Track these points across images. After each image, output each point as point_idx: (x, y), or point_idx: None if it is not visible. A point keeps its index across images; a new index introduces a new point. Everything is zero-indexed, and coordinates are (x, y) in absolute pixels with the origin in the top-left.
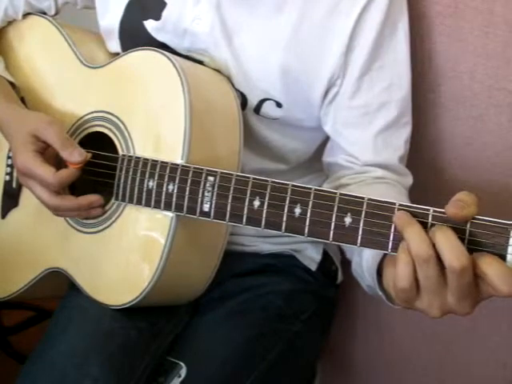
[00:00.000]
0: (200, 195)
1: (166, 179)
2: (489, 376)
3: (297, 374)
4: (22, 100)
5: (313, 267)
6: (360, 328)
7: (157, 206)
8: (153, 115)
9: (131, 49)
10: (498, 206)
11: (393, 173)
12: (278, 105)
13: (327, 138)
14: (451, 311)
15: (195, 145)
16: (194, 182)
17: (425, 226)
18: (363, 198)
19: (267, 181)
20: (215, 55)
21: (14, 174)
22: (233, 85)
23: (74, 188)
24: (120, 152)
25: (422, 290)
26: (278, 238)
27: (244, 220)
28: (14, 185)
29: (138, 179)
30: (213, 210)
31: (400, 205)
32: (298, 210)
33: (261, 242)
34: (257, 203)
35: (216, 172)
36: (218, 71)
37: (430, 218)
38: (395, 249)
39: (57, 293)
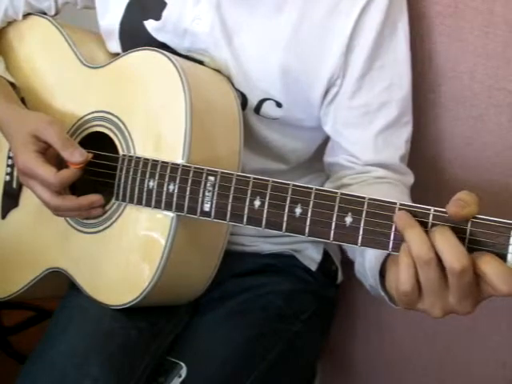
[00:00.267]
0: (201, 195)
1: (166, 179)
2: (489, 375)
3: (297, 373)
4: (23, 100)
5: (313, 267)
6: (360, 328)
7: (157, 205)
8: (153, 115)
9: (131, 49)
10: (498, 205)
11: (394, 172)
12: (278, 105)
13: (327, 138)
14: (453, 311)
15: (196, 145)
16: (195, 182)
17: (425, 225)
18: (364, 198)
19: (268, 181)
20: (215, 55)
21: (15, 174)
22: (233, 85)
23: (75, 188)
24: (120, 152)
25: (424, 291)
26: (279, 238)
27: (245, 220)
28: (15, 185)
29: (138, 179)
30: (213, 210)
31: (401, 204)
32: (298, 210)
33: (261, 242)
34: (257, 203)
35: (216, 172)
36: (218, 71)
37: (430, 218)
38: (396, 248)
39: (57, 293)
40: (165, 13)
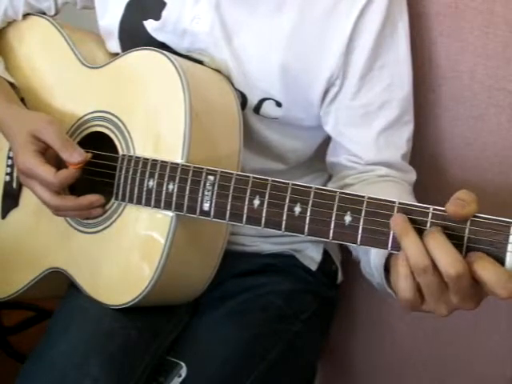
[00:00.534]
0: (200, 194)
1: (165, 179)
2: (489, 375)
3: (297, 374)
4: (22, 100)
5: (313, 267)
6: (360, 328)
7: (157, 205)
8: (153, 115)
9: (131, 49)
10: (497, 205)
11: (396, 170)
12: (278, 104)
13: (327, 138)
14: (458, 308)
15: (195, 144)
16: (194, 182)
17: (424, 224)
18: (363, 197)
19: (267, 180)
20: (215, 55)
21: (15, 175)
22: (232, 85)
23: (74, 188)
24: (120, 152)
25: (426, 296)
26: (279, 237)
27: (244, 219)
28: (15, 185)
29: (137, 179)
30: (213, 210)
31: (400, 203)
32: (297, 209)
33: (261, 241)
34: (257, 202)
35: (216, 171)
36: (218, 71)
37: (429, 217)
38: (395, 247)
39: (57, 293)
40: (164, 13)
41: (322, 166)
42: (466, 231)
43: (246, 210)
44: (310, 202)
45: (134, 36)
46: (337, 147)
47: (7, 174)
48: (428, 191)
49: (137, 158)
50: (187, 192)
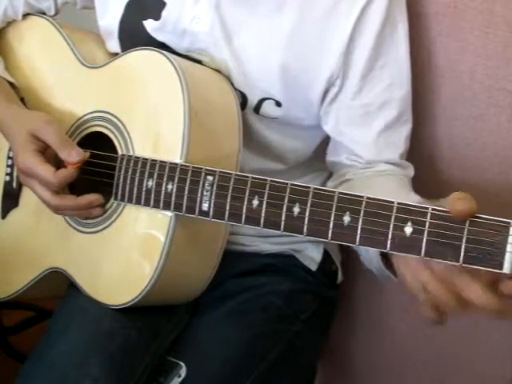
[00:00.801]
0: (199, 194)
1: (164, 179)
2: (489, 375)
3: (297, 374)
4: (22, 100)
5: (313, 267)
6: (360, 328)
7: (156, 205)
8: (152, 115)
9: (131, 49)
10: (497, 206)
11: (396, 166)
12: (278, 104)
13: (326, 138)
14: None
15: (194, 144)
16: (193, 182)
17: (423, 224)
18: (362, 197)
19: (266, 180)
20: (215, 55)
21: (15, 174)
22: (232, 84)
23: (74, 187)
24: (119, 152)
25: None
26: (278, 237)
27: (243, 219)
28: (15, 185)
29: (137, 179)
30: (212, 210)
31: (398, 203)
32: (296, 209)
33: (261, 241)
34: (256, 202)
35: (215, 171)
36: (218, 71)
37: (428, 217)
38: (394, 248)
39: (57, 293)
40: (164, 13)
41: (321, 166)
42: (465, 232)
43: (244, 210)
44: (309, 202)
45: (133, 36)
46: (337, 147)
47: (7, 173)
48: (427, 191)
49: (136, 157)
50: (186, 192)
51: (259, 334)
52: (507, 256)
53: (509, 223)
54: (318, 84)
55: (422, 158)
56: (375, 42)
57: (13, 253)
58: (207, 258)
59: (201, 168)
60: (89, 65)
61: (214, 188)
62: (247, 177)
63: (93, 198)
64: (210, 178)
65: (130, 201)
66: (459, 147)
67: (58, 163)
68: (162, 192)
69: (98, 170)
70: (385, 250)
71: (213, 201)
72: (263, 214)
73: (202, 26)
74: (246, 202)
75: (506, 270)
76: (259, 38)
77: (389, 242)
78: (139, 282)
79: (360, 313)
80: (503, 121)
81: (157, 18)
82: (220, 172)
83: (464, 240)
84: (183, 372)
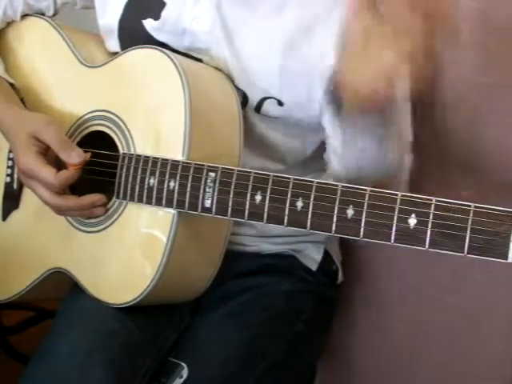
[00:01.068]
0: (201, 191)
1: (167, 176)
2: (489, 374)
3: (297, 374)
4: (22, 101)
5: (313, 267)
6: (360, 328)
7: (158, 203)
8: (153, 113)
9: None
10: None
11: None
12: (280, 103)
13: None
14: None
15: (195, 142)
16: (195, 179)
17: (427, 216)
18: (365, 190)
19: (269, 175)
20: (215, 54)
21: (15, 176)
22: (233, 82)
23: (76, 187)
24: (121, 150)
25: None
26: (279, 237)
27: (246, 215)
28: (15, 186)
29: (139, 177)
30: (214, 206)
31: (402, 195)
32: (299, 204)
33: (261, 241)
34: (258, 198)
35: (217, 168)
36: (219, 69)
37: (432, 208)
38: (398, 240)
39: (58, 294)
40: (164, 13)
41: (319, 167)
42: (469, 222)
43: (247, 206)
44: (312, 196)
45: (133, 35)
46: None
47: (8, 175)
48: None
49: (137, 156)
50: (188, 189)
51: (260, 334)
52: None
53: None
54: (318, 84)
55: (422, 159)
56: None
57: (14, 254)
58: (209, 257)
59: (203, 165)
60: (89, 64)
61: (217, 184)
62: (249, 172)
63: (95, 197)
64: (212, 174)
65: (131, 199)
66: (459, 147)
67: (60, 164)
68: (164, 190)
69: (99, 169)
70: (389, 243)
71: (215, 197)
72: (266, 209)
73: (203, 25)
74: (248, 198)
75: (510, 259)
76: (260, 37)
77: (393, 234)
78: (141, 280)
79: (360, 313)
80: (503, 121)
81: (156, 17)
82: (222, 168)
83: (468, 231)
84: (185, 373)
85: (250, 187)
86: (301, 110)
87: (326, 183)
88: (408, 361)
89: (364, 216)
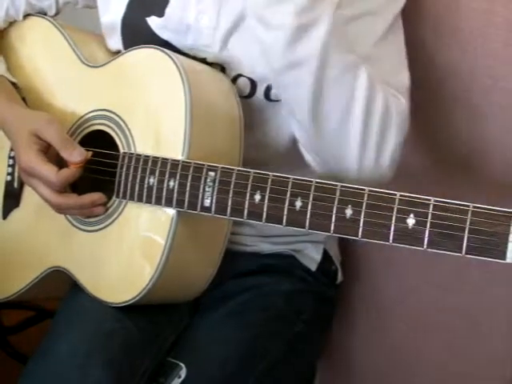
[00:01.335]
0: (201, 190)
1: (166, 175)
2: (489, 376)
3: (297, 374)
4: (24, 100)
5: (313, 267)
6: (360, 328)
7: (158, 202)
8: (153, 113)
9: (133, 46)
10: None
11: None
12: None
13: None
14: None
15: (196, 142)
16: (195, 178)
17: (425, 216)
18: (364, 190)
19: (268, 175)
20: (220, 50)
21: (16, 174)
22: (239, 75)
23: (76, 185)
24: (121, 150)
25: None
26: (278, 237)
27: (245, 214)
28: (16, 185)
29: (138, 176)
30: (214, 205)
31: (401, 195)
32: (298, 203)
33: (261, 241)
34: (258, 197)
35: (217, 167)
36: (219, 70)
37: (430, 208)
38: (397, 240)
39: (58, 293)
40: (168, 10)
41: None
42: (468, 222)
43: (247, 205)
44: (311, 196)
45: (136, 32)
46: None
47: (8, 173)
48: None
49: (137, 155)
50: (188, 188)
51: (259, 334)
52: (510, 246)
53: (511, 213)
54: None
55: (421, 159)
56: None
57: (14, 253)
58: (209, 256)
59: (203, 164)
60: (90, 64)
61: (216, 184)
62: (249, 172)
63: (95, 196)
64: (211, 173)
65: (131, 198)
66: (459, 147)
67: (61, 162)
68: (164, 189)
69: (99, 168)
70: (388, 243)
71: (215, 196)
72: (265, 209)
73: (207, 21)
74: (248, 197)
75: (508, 259)
76: None
77: (391, 234)
78: (140, 279)
79: (360, 313)
80: (503, 121)
81: (160, 14)
82: (222, 168)
83: (466, 231)
84: (183, 373)
85: (250, 187)
86: None
87: (325, 183)
88: (408, 361)
89: (362, 216)
